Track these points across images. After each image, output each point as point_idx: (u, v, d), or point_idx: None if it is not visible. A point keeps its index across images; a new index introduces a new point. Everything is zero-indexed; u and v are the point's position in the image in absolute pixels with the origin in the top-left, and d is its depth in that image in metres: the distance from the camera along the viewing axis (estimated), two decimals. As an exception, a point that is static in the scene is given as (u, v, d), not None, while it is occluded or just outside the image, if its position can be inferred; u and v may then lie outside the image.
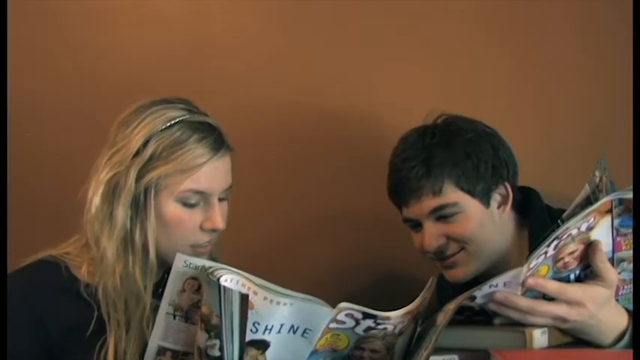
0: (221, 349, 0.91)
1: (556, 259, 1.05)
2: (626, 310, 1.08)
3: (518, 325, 1.05)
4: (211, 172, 1.12)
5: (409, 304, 0.98)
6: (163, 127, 1.10)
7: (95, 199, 1.10)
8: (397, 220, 1.36)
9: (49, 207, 1.52)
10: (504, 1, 1.61)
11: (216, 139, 1.13)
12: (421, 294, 1.00)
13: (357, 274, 1.60)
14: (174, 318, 1.02)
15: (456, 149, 1.23)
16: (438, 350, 1.03)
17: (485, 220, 1.24)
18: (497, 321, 1.07)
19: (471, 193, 1.23)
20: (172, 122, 1.11)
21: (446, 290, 1.26)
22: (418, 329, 1.04)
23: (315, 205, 1.62)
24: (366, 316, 0.93)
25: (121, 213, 1.09)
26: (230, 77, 1.59)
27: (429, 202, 1.23)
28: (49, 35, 1.59)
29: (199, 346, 0.94)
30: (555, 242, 1.02)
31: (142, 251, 1.11)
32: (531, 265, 1.01)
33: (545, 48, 1.61)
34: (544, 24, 1.61)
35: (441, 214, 1.23)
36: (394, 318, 0.95)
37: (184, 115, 1.12)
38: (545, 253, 1.02)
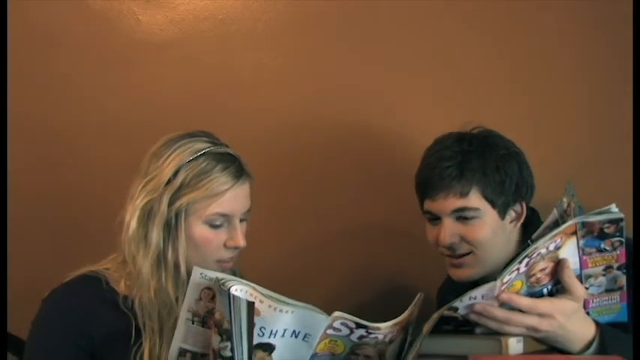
0: (232, 350, 1.04)
1: (529, 274, 1.17)
2: (594, 321, 1.19)
3: (497, 334, 1.16)
4: (234, 197, 1.25)
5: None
6: (191, 158, 1.24)
7: (132, 222, 1.23)
8: (409, 233, 1.47)
9: (91, 228, 1.66)
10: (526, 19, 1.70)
11: (237, 168, 1.26)
12: (409, 307, 1.12)
13: (370, 285, 1.72)
14: (193, 323, 1.12)
15: (488, 161, 1.32)
16: (425, 356, 1.16)
17: (497, 230, 1.33)
18: (478, 330, 1.18)
19: (493, 203, 1.32)
20: (199, 154, 1.24)
21: (446, 297, 1.35)
22: (409, 338, 1.17)
23: (332, 220, 1.74)
24: (358, 325, 1.06)
25: (155, 234, 1.22)
26: (250, 107, 1.73)
27: (454, 202, 1.32)
28: (92, 74, 1.74)
29: (213, 347, 1.07)
30: (526, 260, 1.14)
31: (174, 267, 1.24)
32: (504, 280, 1.13)
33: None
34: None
35: (462, 215, 1.32)
36: (384, 328, 1.07)
37: (209, 147, 1.26)
38: (518, 269, 1.14)
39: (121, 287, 1.27)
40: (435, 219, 1.36)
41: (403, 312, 1.12)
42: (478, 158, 1.32)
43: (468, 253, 1.34)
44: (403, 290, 1.69)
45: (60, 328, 1.22)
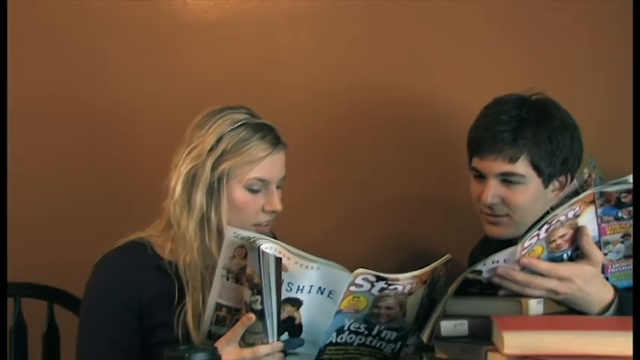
0: (262, 303, 1.13)
1: (549, 240, 1.23)
2: (613, 286, 1.24)
3: (518, 296, 1.23)
4: (271, 164, 1.33)
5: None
6: (231, 127, 1.31)
7: (177, 187, 1.30)
8: (439, 204, 1.53)
9: (138, 200, 1.72)
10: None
11: (274, 137, 1.34)
12: (432, 264, 1.20)
13: (404, 253, 1.78)
14: (227, 279, 1.21)
15: (542, 131, 1.35)
16: (451, 316, 1.23)
17: (538, 198, 1.37)
18: (501, 292, 1.25)
19: (539, 172, 1.35)
20: (238, 124, 1.32)
21: (477, 258, 1.36)
22: (436, 297, 1.24)
23: (366, 190, 1.80)
24: (378, 278, 1.14)
25: (199, 198, 1.29)
26: (290, 82, 1.80)
27: (503, 166, 1.35)
28: (141, 55, 1.81)
29: (245, 301, 1.16)
30: (546, 227, 1.20)
31: (216, 230, 1.31)
32: (525, 245, 1.20)
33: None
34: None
35: (507, 179, 1.36)
36: (402, 279, 1.15)
37: (248, 118, 1.34)
38: (538, 235, 1.20)
39: (165, 252, 1.34)
40: (481, 177, 1.39)
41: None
42: (533, 127, 1.35)
43: (505, 215, 1.38)
44: (435, 258, 1.76)
45: (110, 290, 1.32)
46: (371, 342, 1.25)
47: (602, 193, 1.22)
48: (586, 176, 1.25)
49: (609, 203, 1.23)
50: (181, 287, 1.31)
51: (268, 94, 1.77)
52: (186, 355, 1.03)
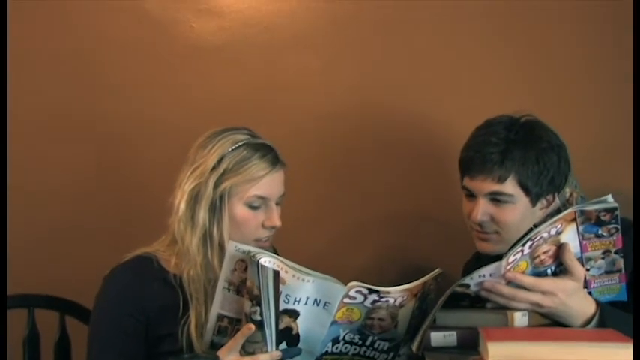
0: (261, 314, 1.19)
1: (533, 256, 1.29)
2: (595, 300, 1.31)
3: (505, 309, 1.29)
4: (270, 182, 1.39)
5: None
6: (232, 147, 1.38)
7: (181, 204, 1.36)
8: (434, 220, 1.60)
9: (144, 216, 1.74)
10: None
11: (273, 157, 1.40)
12: (422, 278, 1.26)
13: (400, 265, 1.86)
14: (229, 291, 1.27)
15: (530, 153, 1.39)
16: (441, 327, 1.29)
17: (525, 215, 1.41)
18: (488, 305, 1.31)
19: (527, 192, 1.39)
20: (239, 144, 1.38)
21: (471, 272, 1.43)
22: (428, 310, 1.30)
23: (367, 204, 1.87)
24: (371, 291, 1.20)
25: (202, 215, 1.36)
26: (293, 105, 1.88)
27: (491, 186, 1.40)
28: (150, 75, 1.88)
29: (245, 312, 1.22)
30: (529, 243, 1.26)
31: (218, 245, 1.36)
32: (510, 260, 1.26)
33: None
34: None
35: (496, 198, 1.40)
36: (393, 292, 1.22)
37: (248, 139, 1.40)
38: (522, 251, 1.27)
39: (170, 266, 1.40)
40: (471, 196, 1.45)
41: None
42: (520, 149, 1.39)
43: (494, 232, 1.43)
44: (430, 271, 1.82)
45: (118, 301, 1.38)
46: (365, 352, 1.30)
47: (582, 212, 1.29)
48: (567, 195, 1.32)
49: (589, 221, 1.29)
50: (185, 299, 1.37)
51: (273, 116, 1.85)
52: None
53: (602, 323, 1.28)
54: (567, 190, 1.32)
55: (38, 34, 1.90)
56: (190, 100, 1.89)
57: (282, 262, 1.20)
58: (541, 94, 1.84)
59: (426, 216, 1.87)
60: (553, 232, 1.28)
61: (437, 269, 1.30)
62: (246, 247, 1.25)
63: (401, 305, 1.25)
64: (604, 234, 1.30)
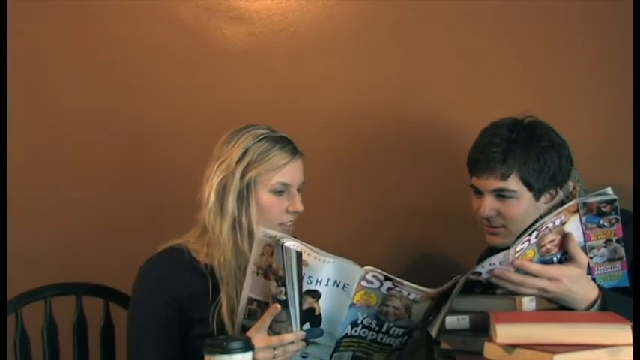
0: (286, 294, 1.28)
1: (539, 245, 1.38)
2: (598, 285, 1.39)
3: (514, 294, 1.38)
4: (291, 170, 1.49)
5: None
6: (255, 141, 1.48)
7: (211, 196, 1.46)
8: (447, 213, 1.69)
9: (176, 208, 1.84)
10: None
11: (292, 148, 1.50)
12: (441, 287, 1.34)
13: (411, 258, 1.95)
14: (257, 275, 1.35)
15: (531, 152, 1.49)
16: (455, 312, 1.38)
17: (530, 209, 1.51)
18: (499, 291, 1.40)
19: (529, 187, 1.50)
20: (261, 137, 1.49)
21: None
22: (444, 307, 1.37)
23: (385, 199, 1.97)
24: (386, 277, 1.30)
25: (230, 204, 1.45)
26: (318, 106, 1.98)
27: (495, 183, 1.50)
28: (184, 79, 1.99)
29: (272, 292, 1.32)
30: (535, 233, 1.35)
31: (247, 231, 1.46)
32: (517, 249, 1.35)
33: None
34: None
35: (501, 194, 1.51)
36: (406, 285, 1.31)
37: (268, 132, 1.50)
38: (529, 240, 1.36)
39: (201, 255, 1.49)
40: (479, 193, 1.55)
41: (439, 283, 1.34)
42: (522, 149, 1.49)
43: (501, 226, 1.53)
44: (441, 262, 1.92)
45: (153, 290, 1.47)
46: (381, 339, 1.39)
47: (584, 204, 1.38)
48: (571, 188, 1.41)
49: (591, 212, 1.38)
50: (215, 286, 1.46)
51: (297, 116, 1.95)
52: (225, 343, 1.20)
53: (604, 307, 1.37)
54: (570, 184, 1.41)
55: (76, 40, 2.03)
56: (221, 102, 2.00)
57: (305, 245, 1.30)
58: (547, 93, 1.91)
59: (439, 210, 1.95)
60: (557, 222, 1.37)
61: (456, 277, 1.37)
62: (272, 232, 1.34)
63: (414, 301, 1.34)
64: (605, 224, 1.38)
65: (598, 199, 1.38)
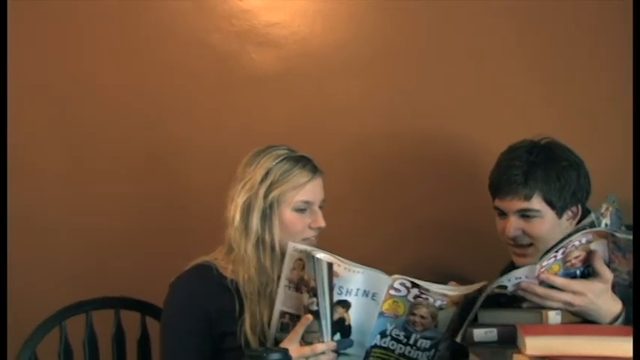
0: (317, 304, 1.33)
1: (565, 260, 1.42)
2: (621, 299, 1.42)
3: (539, 308, 1.42)
4: (313, 188, 1.55)
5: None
6: (276, 161, 1.54)
7: (236, 215, 1.52)
8: (468, 230, 1.74)
9: (204, 227, 1.86)
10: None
11: (312, 166, 1.56)
12: (464, 289, 1.39)
13: (434, 274, 1.89)
14: (289, 289, 1.41)
15: (550, 172, 1.55)
16: (483, 325, 1.42)
17: (554, 227, 1.56)
18: (524, 305, 1.44)
19: (552, 206, 1.55)
20: (282, 158, 1.55)
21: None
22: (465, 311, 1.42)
23: (404, 218, 2.02)
24: (413, 284, 1.34)
25: (255, 223, 1.51)
26: (343, 127, 2.04)
27: (519, 204, 1.56)
28: (217, 102, 2.07)
29: (304, 304, 1.37)
30: (562, 249, 1.40)
31: (270, 249, 1.51)
32: (543, 264, 1.39)
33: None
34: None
35: (524, 214, 1.56)
36: (432, 291, 1.35)
37: (288, 153, 1.57)
38: (555, 257, 1.40)
39: (227, 272, 1.54)
40: (503, 214, 1.60)
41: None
42: (542, 169, 1.55)
43: (528, 245, 1.57)
44: (464, 278, 1.92)
45: (185, 306, 1.53)
46: (409, 352, 1.43)
47: (613, 235, 1.41)
48: (603, 209, 1.43)
49: (617, 246, 1.42)
50: (241, 302, 1.52)
51: (321, 138, 2.01)
52: (264, 354, 1.25)
53: (627, 321, 1.40)
54: (604, 205, 1.44)
55: (113, 64, 2.12)
56: (250, 124, 2.06)
57: (335, 257, 1.35)
58: (566, 114, 1.96)
59: (459, 227, 1.99)
60: (584, 240, 1.41)
61: (481, 282, 1.41)
62: (303, 247, 1.41)
63: (440, 308, 1.38)
64: (630, 258, 1.40)
65: (627, 237, 1.40)
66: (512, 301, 1.47)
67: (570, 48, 1.97)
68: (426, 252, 2.02)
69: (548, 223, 1.57)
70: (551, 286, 1.42)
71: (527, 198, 1.55)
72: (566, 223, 1.59)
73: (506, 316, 1.45)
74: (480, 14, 2.00)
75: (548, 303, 1.42)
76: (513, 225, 1.58)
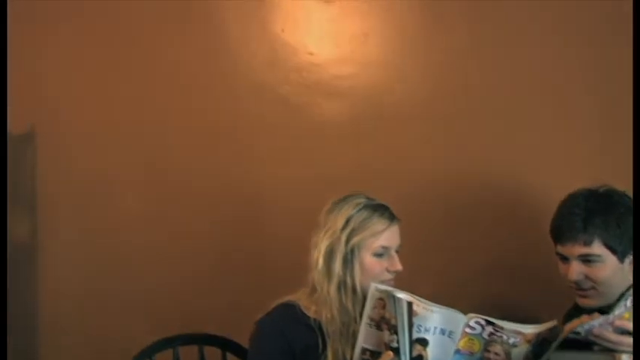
0: (398, 342, 1.40)
1: None
2: None
3: (612, 351, 1.46)
4: (390, 234, 1.64)
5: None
6: (356, 210, 1.63)
7: (319, 259, 1.61)
8: (531, 270, 1.81)
9: (286, 270, 1.93)
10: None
11: (389, 214, 1.65)
12: (537, 328, 1.44)
13: (498, 314, 2.03)
14: (371, 327, 1.48)
15: (610, 218, 1.59)
16: None
17: (616, 271, 1.60)
18: (596, 348, 1.49)
19: (613, 251, 1.59)
20: (360, 206, 1.64)
21: (571, 320, 1.54)
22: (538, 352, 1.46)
23: (466, 258, 2.07)
24: (487, 322, 1.40)
25: (337, 266, 1.60)
26: (403, 169, 2.12)
27: (580, 249, 1.60)
28: (289, 151, 2.18)
29: (385, 341, 1.43)
30: (630, 298, 1.47)
31: (352, 291, 1.60)
32: (616, 313, 1.46)
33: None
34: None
35: (586, 259, 1.60)
36: (506, 329, 1.41)
37: (366, 201, 1.65)
38: (625, 305, 1.47)
39: (310, 312, 1.63)
40: (565, 259, 1.65)
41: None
42: (601, 216, 1.60)
43: (591, 288, 1.62)
44: (527, 317, 1.90)
45: (271, 341, 1.61)
46: None
47: None
48: None
49: None
50: (324, 340, 1.60)
51: (386, 181, 2.09)
52: None
53: None
54: None
55: (196, 116, 2.27)
56: (319, 170, 2.16)
57: (414, 297, 1.43)
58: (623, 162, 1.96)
59: (521, 267, 2.03)
60: None
61: (552, 321, 1.46)
62: (384, 287, 1.50)
63: (514, 345, 1.43)
64: None
65: None
66: (583, 344, 1.51)
67: (628, 96, 2.00)
68: (489, 293, 2.06)
69: (609, 267, 1.61)
70: (622, 332, 1.47)
71: (587, 244, 1.61)
72: (628, 267, 1.63)
73: (578, 358, 1.50)
74: (538, 62, 2.06)
75: (620, 348, 1.47)
76: (575, 270, 1.63)
